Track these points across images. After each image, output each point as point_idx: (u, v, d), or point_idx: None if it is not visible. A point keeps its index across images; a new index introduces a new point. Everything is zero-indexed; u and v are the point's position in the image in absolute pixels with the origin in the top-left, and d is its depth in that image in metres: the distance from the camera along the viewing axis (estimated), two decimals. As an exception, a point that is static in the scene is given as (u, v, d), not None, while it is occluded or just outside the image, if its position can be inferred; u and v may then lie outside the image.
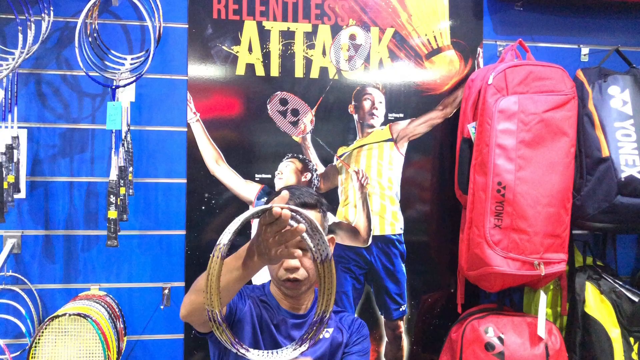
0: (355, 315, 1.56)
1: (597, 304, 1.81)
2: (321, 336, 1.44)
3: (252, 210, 0.97)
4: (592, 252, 1.96)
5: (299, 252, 0.98)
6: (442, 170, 2.02)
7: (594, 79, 1.88)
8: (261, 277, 1.79)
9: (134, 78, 1.63)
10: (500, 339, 1.71)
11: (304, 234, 0.99)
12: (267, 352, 0.99)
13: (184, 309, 1.17)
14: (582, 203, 1.82)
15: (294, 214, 0.95)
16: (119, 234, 1.66)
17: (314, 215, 1.39)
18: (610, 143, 1.79)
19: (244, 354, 0.91)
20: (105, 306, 1.68)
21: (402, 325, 1.98)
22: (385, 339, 1.97)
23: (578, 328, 1.82)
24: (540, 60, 1.88)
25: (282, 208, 0.93)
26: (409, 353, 1.98)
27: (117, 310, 1.75)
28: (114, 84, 1.60)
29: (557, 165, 1.75)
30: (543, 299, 1.76)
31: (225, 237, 0.92)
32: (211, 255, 0.92)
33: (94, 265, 1.82)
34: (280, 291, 1.42)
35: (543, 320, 1.73)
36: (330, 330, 1.47)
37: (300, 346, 0.99)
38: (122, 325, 1.75)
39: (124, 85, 1.60)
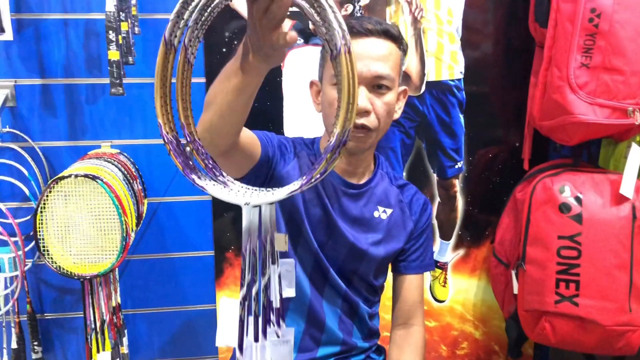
0: (415, 187, 1.32)
1: (696, 158, 1.53)
2: (376, 215, 1.21)
3: None
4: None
5: (293, 34, 0.67)
6: (514, -2, 1.66)
7: None
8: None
9: None
10: (577, 199, 1.47)
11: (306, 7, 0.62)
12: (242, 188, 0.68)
13: (201, 123, 0.90)
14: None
15: None
16: (126, 80, 1.39)
17: (388, 48, 1.09)
18: None
19: (203, 187, 0.64)
20: (119, 166, 1.46)
21: (457, 184, 1.75)
22: (438, 199, 1.75)
23: (670, 185, 1.56)
24: None
25: None
26: (464, 214, 1.77)
27: (133, 170, 1.53)
28: None
29: (666, -14, 1.39)
30: (635, 151, 1.48)
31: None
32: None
33: (102, 119, 1.58)
34: None
35: (633, 177, 1.47)
36: (389, 211, 1.23)
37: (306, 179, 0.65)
38: (140, 187, 1.54)
39: None
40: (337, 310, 1.23)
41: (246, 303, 0.64)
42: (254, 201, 0.63)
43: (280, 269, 0.65)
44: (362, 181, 1.21)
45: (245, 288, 0.63)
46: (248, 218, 0.64)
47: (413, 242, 1.27)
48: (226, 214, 1.66)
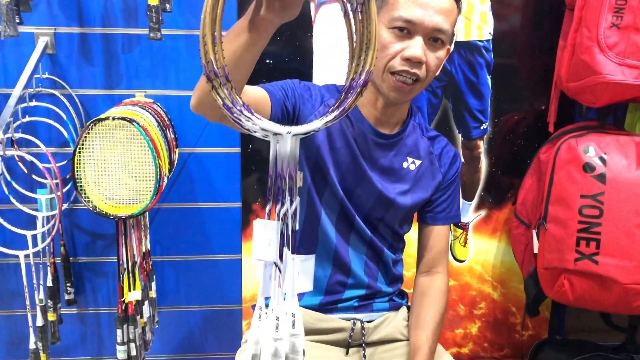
0: (446, 139, 1.34)
1: None
2: (405, 165, 1.24)
3: None
4: None
5: None
6: (545, -41, 1.67)
7: None
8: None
9: None
10: (602, 159, 1.49)
11: None
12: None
13: (193, 95, 0.94)
14: None
15: None
16: (164, 32, 1.44)
17: (451, 4, 1.09)
18: None
19: (249, 117, 0.64)
20: (153, 114, 1.51)
21: (482, 145, 1.78)
22: (462, 160, 1.77)
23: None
24: None
25: None
26: (488, 175, 1.80)
27: (166, 119, 1.58)
28: None
29: None
30: (662, 114, 1.49)
31: None
32: None
33: (137, 69, 1.62)
34: (377, 91, 1.15)
35: (658, 139, 1.48)
36: (418, 162, 1.24)
37: (326, 114, 0.68)
38: (172, 136, 1.59)
39: None
40: (363, 256, 1.27)
41: (286, 219, 0.67)
42: (294, 130, 0.66)
43: (302, 265, 0.69)
44: (394, 132, 1.22)
45: (282, 206, 0.67)
46: (275, 147, 0.67)
47: (440, 193, 1.29)
48: (254, 167, 1.70)
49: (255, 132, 0.66)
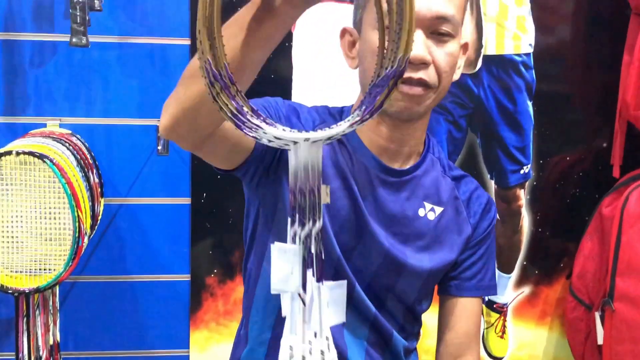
0: (476, 181, 1.36)
1: None
2: (422, 213, 1.24)
3: None
4: None
5: None
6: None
7: None
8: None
9: None
10: (686, 213, 1.53)
11: None
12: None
13: (167, 111, 0.92)
14: None
15: None
16: (90, 39, 1.47)
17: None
18: None
19: (257, 126, 0.67)
20: (72, 149, 1.52)
21: (523, 195, 1.81)
22: (497, 217, 1.80)
23: None
24: None
25: None
26: (532, 237, 1.83)
27: (89, 157, 1.59)
28: None
29: None
30: None
31: None
32: None
33: (50, 89, 1.65)
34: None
35: None
36: (439, 210, 1.25)
37: (351, 116, 0.71)
38: (97, 180, 1.60)
39: None
40: (363, 342, 1.26)
41: (309, 241, 0.70)
42: (313, 136, 0.68)
43: (331, 293, 0.72)
44: (406, 166, 1.23)
45: (303, 227, 0.70)
46: (296, 157, 0.71)
47: (469, 252, 1.30)
48: (208, 223, 1.71)
49: (270, 141, 0.70)
